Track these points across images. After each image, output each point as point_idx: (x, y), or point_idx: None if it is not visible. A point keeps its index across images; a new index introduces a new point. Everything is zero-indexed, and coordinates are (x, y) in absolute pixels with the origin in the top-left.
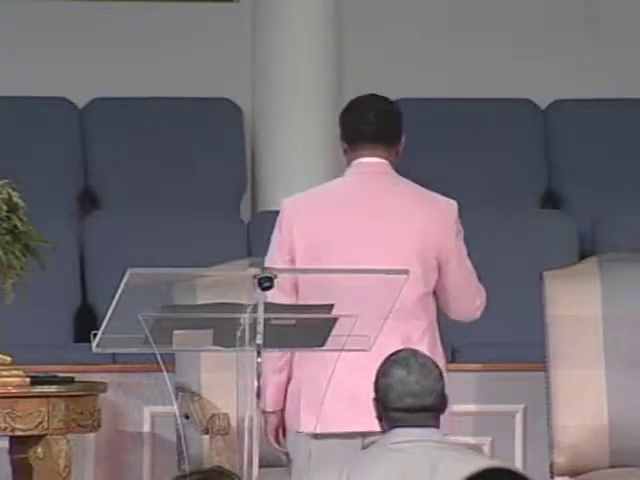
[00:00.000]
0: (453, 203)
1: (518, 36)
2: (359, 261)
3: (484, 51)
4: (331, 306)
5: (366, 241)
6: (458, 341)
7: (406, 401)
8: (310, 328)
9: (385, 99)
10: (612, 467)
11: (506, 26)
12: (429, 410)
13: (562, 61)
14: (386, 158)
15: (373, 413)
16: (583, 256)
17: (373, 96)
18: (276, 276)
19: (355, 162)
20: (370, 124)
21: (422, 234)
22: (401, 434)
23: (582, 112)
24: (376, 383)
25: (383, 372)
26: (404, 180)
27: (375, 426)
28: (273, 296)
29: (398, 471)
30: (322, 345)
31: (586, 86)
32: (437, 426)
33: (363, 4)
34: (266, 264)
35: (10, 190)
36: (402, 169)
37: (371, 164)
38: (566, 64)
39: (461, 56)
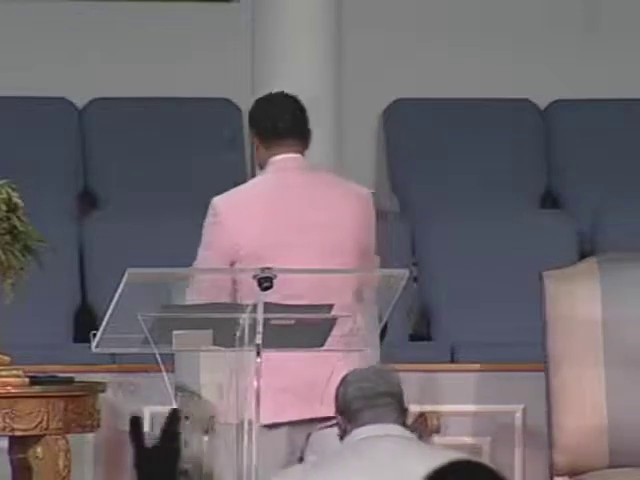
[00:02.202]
0: (369, 192)
1: (518, 36)
2: (305, 260)
3: (484, 51)
4: (331, 306)
5: (308, 240)
6: (458, 341)
7: (363, 386)
8: (310, 328)
9: (295, 97)
10: (611, 467)
11: (506, 26)
12: (387, 396)
13: (562, 61)
14: (302, 153)
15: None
16: (583, 256)
17: (282, 94)
18: (276, 276)
19: (274, 159)
20: (286, 122)
21: (355, 225)
22: (362, 432)
23: (582, 112)
24: (336, 398)
25: (342, 383)
26: (323, 172)
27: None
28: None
29: (363, 462)
30: (322, 345)
31: (586, 86)
32: (400, 423)
33: (363, 4)
34: (200, 263)
35: (10, 190)
36: (402, 169)
37: (293, 159)
38: (566, 64)
39: (461, 56)
